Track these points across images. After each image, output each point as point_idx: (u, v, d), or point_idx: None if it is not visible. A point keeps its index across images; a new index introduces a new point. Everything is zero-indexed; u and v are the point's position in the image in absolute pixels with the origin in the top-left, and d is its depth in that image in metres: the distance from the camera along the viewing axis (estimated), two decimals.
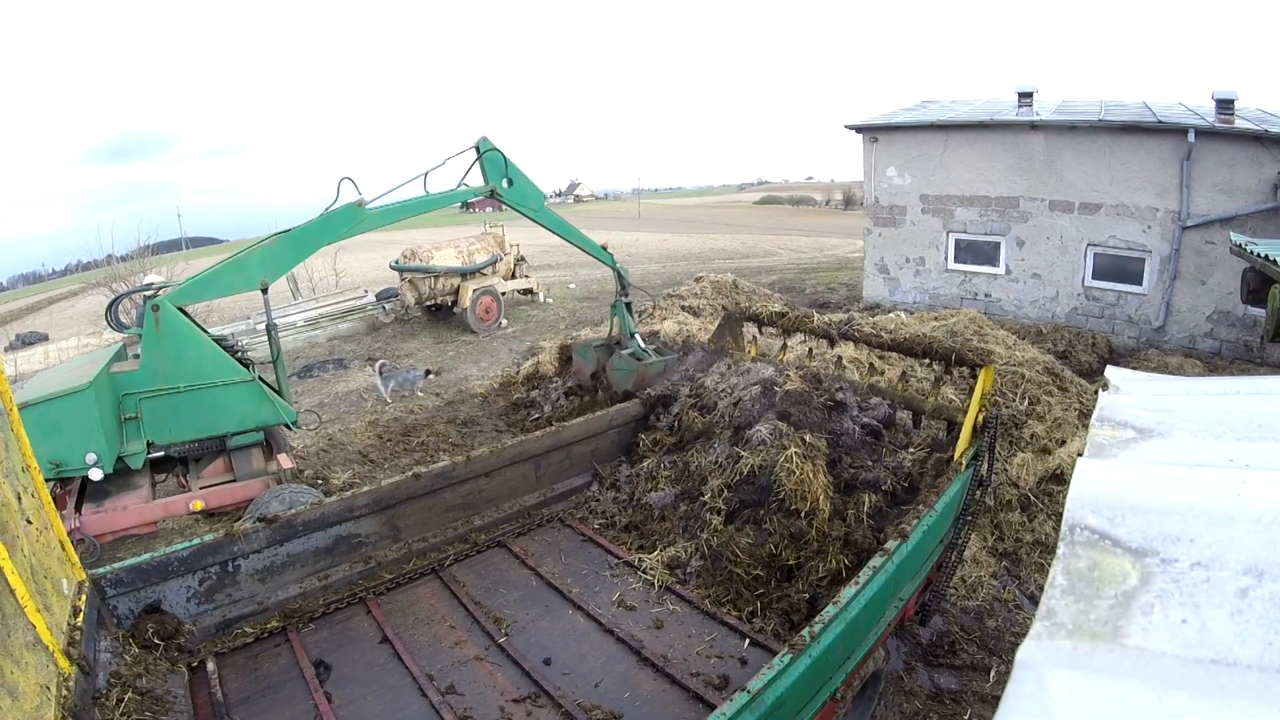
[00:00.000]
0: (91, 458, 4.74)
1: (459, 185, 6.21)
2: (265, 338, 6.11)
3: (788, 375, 4.61)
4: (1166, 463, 1.93)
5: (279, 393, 5.77)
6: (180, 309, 5.29)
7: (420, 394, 9.53)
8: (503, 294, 13.90)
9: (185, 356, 5.20)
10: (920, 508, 3.36)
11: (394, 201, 5.85)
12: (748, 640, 3.32)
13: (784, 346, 5.50)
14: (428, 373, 9.61)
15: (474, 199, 6.24)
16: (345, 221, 5.59)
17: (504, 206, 6.48)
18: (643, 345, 7.41)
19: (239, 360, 5.56)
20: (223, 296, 5.45)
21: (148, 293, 5.37)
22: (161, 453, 5.41)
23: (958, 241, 13.12)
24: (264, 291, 5.44)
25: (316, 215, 5.58)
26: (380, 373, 9.44)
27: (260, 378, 5.60)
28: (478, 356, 11.59)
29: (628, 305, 7.59)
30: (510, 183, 6.31)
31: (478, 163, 6.16)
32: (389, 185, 5.86)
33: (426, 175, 5.91)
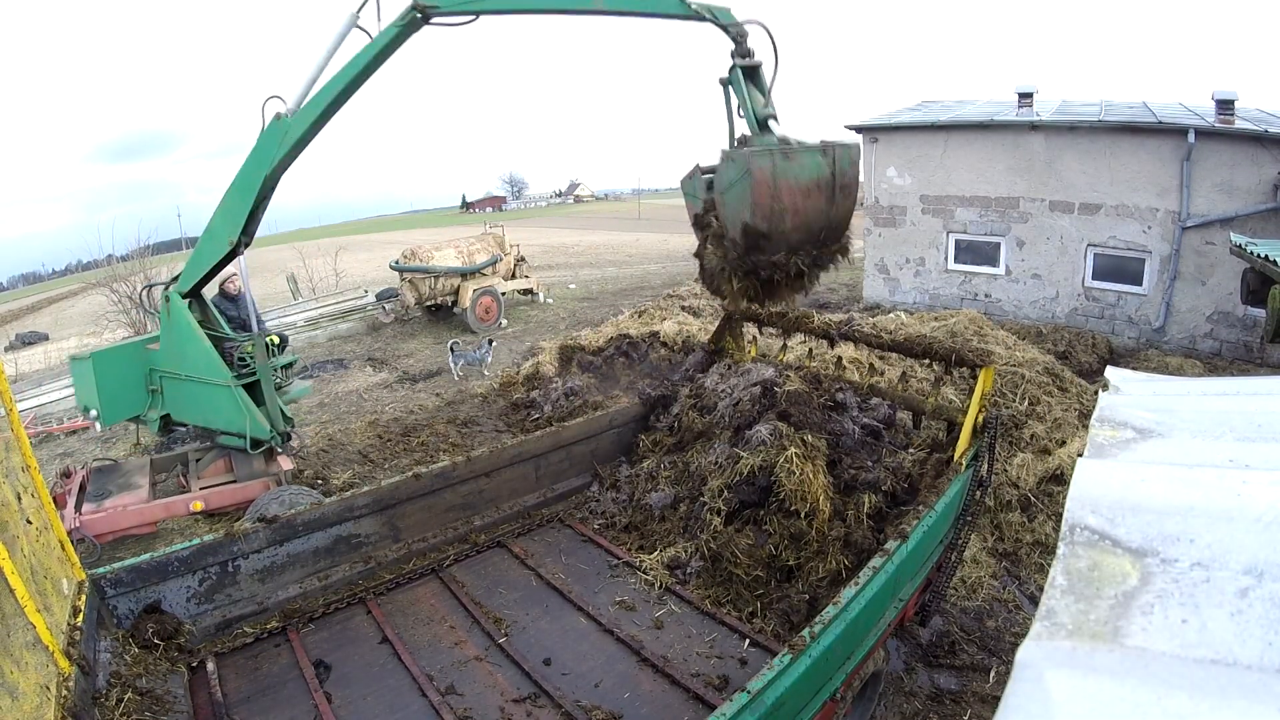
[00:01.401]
0: (93, 413, 5.55)
1: (382, 26, 4.55)
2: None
3: (788, 376, 4.60)
4: (1166, 463, 1.93)
5: (272, 402, 5.68)
6: (193, 300, 5.55)
7: (486, 372, 10.07)
8: (503, 294, 13.90)
9: (184, 350, 5.47)
10: (920, 508, 3.36)
11: (315, 93, 4.77)
12: (748, 640, 3.32)
13: (784, 347, 5.50)
14: (490, 341, 10.25)
15: (405, 29, 4.49)
16: (272, 142, 4.84)
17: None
18: (779, 135, 3.76)
19: (239, 360, 5.57)
20: (211, 266, 5.36)
21: (163, 284, 5.73)
22: (183, 425, 5.90)
23: (958, 242, 13.12)
24: (240, 253, 5.33)
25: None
26: (452, 351, 10.16)
27: (278, 382, 5.84)
28: None
29: (749, 70, 3.87)
30: None
31: None
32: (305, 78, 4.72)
33: (353, 24, 4.57)
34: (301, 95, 4.75)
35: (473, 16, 4.40)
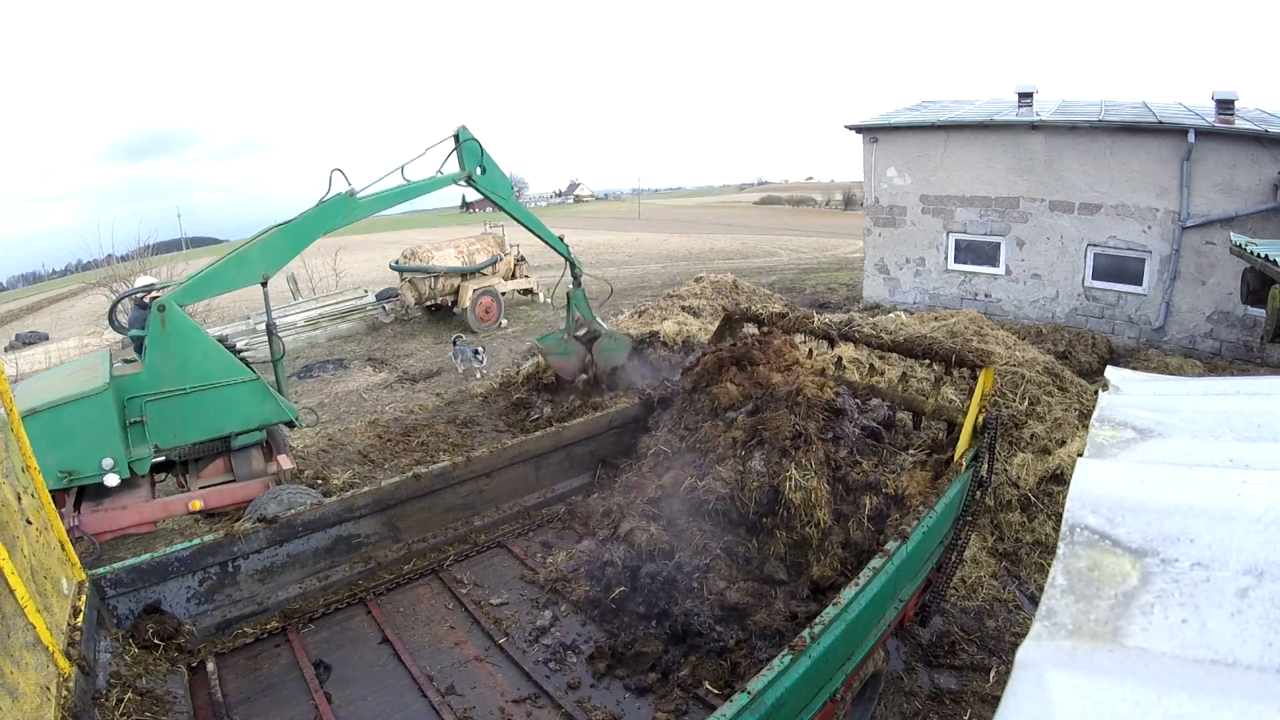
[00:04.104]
0: (108, 462, 4.66)
1: (438, 172, 6.39)
2: (265, 338, 6.12)
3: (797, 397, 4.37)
4: (1166, 463, 1.93)
5: (279, 391, 5.78)
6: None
7: (480, 374, 10.21)
8: (503, 294, 13.90)
9: (191, 357, 5.12)
10: (920, 509, 3.36)
11: (381, 190, 6.03)
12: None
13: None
14: (475, 353, 10.36)
15: (450, 185, 6.51)
16: (339, 211, 5.71)
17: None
18: (601, 323, 8.09)
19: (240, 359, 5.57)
20: (226, 292, 5.45)
21: (143, 294, 5.38)
22: (163, 457, 5.38)
23: (958, 242, 13.12)
24: (264, 285, 5.46)
25: (312, 206, 5.69)
26: (454, 343, 10.62)
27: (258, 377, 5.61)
28: None
29: (582, 289, 7.88)
30: (484, 170, 6.49)
31: (456, 150, 6.36)
32: (375, 175, 6.10)
33: (404, 168, 6.17)
34: (370, 185, 5.98)
35: (488, 200, 6.70)
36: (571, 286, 7.73)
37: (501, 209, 6.83)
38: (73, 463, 4.57)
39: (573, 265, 7.62)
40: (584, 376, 8.09)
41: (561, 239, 7.45)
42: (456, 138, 6.37)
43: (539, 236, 7.27)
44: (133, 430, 4.96)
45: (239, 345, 6.28)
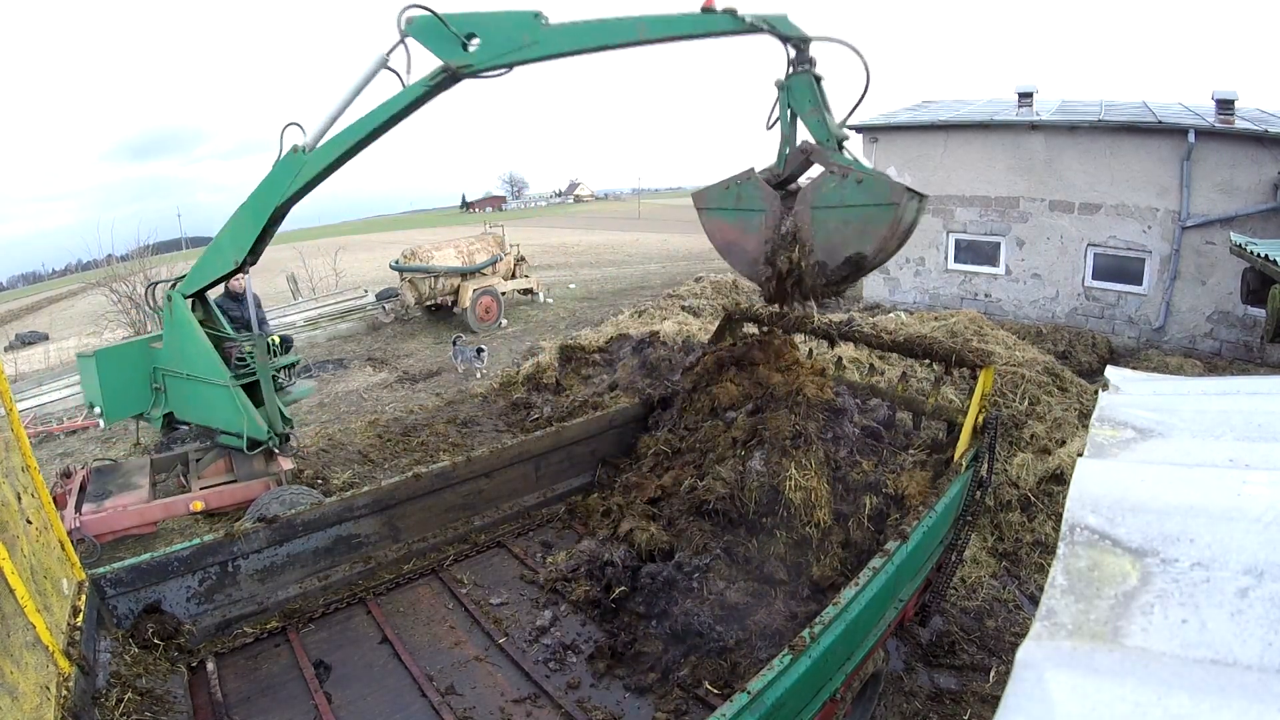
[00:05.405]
0: (96, 410, 5.64)
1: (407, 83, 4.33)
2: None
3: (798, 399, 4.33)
4: (1166, 463, 1.93)
5: (271, 403, 5.67)
6: (195, 300, 5.53)
7: (480, 374, 10.26)
8: (503, 294, 13.91)
9: (185, 349, 5.47)
10: (920, 509, 3.36)
11: (334, 135, 4.62)
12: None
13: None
14: (478, 352, 10.44)
15: (430, 93, 4.31)
16: (287, 173, 4.74)
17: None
18: (854, 158, 3.80)
19: (238, 360, 5.56)
20: (216, 279, 5.47)
21: (167, 283, 5.74)
22: (186, 424, 5.91)
23: (958, 241, 13.12)
24: (245, 270, 5.35)
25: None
26: (454, 343, 10.74)
27: (280, 383, 5.85)
28: None
29: (818, 79, 3.73)
30: (476, 39, 4.08)
31: (402, 45, 4.23)
32: (325, 120, 4.61)
33: (375, 79, 4.33)
34: (320, 132, 4.64)
35: (506, 69, 4.14)
36: (787, 71, 3.76)
37: (556, 55, 4.03)
38: (89, 398, 5.73)
39: (780, 31, 3.64)
40: (768, 270, 3.96)
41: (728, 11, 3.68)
42: (400, 30, 4.16)
43: (678, 36, 3.85)
44: (157, 394, 5.76)
45: (273, 339, 6.12)
